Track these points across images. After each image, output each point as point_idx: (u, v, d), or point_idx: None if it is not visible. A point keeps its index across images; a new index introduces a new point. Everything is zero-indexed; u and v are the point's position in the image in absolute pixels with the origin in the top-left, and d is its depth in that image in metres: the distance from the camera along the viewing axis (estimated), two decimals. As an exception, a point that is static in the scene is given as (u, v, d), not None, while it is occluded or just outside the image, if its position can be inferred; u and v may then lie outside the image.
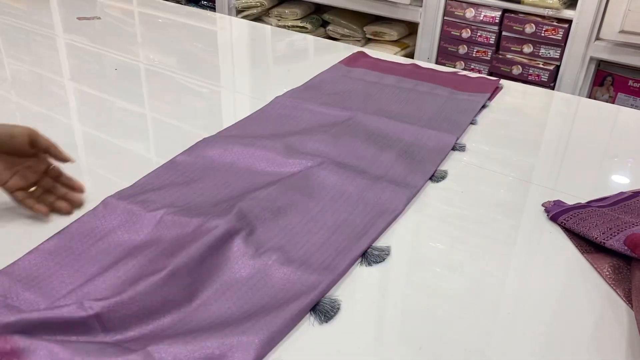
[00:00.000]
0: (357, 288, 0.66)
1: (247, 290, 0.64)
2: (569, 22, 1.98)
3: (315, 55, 1.50)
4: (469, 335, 0.60)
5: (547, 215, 0.80)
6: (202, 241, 0.67)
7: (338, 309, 0.62)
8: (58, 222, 0.73)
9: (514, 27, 2.09)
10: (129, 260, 0.67)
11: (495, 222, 0.80)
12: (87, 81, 1.22)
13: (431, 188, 0.86)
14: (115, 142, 0.97)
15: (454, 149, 0.98)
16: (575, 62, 2.00)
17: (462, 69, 1.35)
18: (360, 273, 0.68)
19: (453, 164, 0.94)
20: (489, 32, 2.15)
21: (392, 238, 0.74)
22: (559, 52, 2.03)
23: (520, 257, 0.73)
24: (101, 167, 0.88)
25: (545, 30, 2.03)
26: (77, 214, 0.75)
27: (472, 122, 1.08)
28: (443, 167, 0.93)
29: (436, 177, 0.90)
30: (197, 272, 0.65)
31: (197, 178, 0.85)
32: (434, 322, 0.62)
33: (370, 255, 0.71)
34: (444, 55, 2.27)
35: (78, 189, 0.78)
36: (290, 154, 0.90)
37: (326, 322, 0.61)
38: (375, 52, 1.43)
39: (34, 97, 1.13)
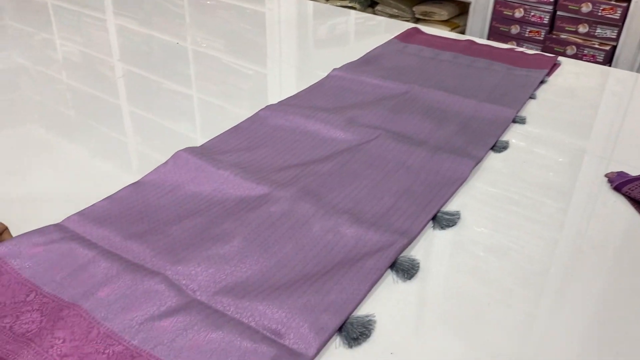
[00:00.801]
0: (429, 251, 0.66)
1: (322, 248, 0.64)
2: (628, 0, 1.89)
3: (366, 33, 1.48)
4: (509, 321, 0.57)
5: (611, 185, 0.78)
6: (268, 207, 0.70)
7: (418, 267, 0.63)
8: (102, 172, 0.75)
9: (570, 7, 2.01)
10: (196, 216, 0.69)
11: (544, 206, 0.77)
12: (136, 62, 1.24)
13: (477, 169, 0.84)
14: (162, 122, 0.98)
15: (514, 121, 0.97)
16: (633, 43, 1.92)
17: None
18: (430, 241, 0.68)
19: (512, 138, 0.92)
20: (543, 11, 2.08)
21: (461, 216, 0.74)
22: (616, 32, 1.95)
23: (567, 243, 0.71)
24: (148, 148, 0.90)
25: (602, 10, 1.94)
26: (126, 167, 0.77)
27: (532, 97, 1.06)
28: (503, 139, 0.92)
29: (498, 147, 0.89)
30: (269, 234, 0.66)
31: (260, 144, 0.86)
32: (473, 305, 0.60)
33: (442, 220, 0.71)
34: (495, 35, 2.21)
35: None
36: (350, 127, 0.90)
37: (409, 279, 0.62)
38: (428, 30, 1.40)
39: (84, 78, 1.16)
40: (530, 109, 1.03)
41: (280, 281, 0.59)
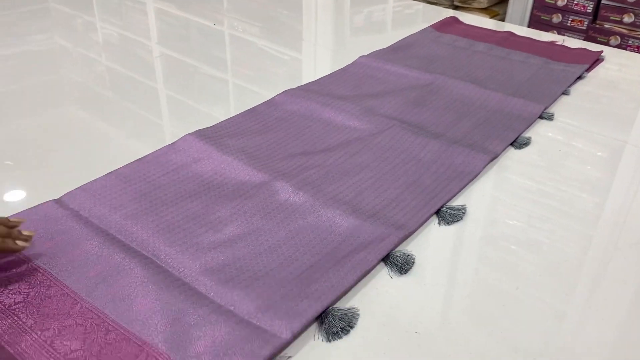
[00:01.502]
0: (430, 247, 0.65)
1: (314, 237, 0.64)
2: (678, -11, 1.83)
3: (403, 20, 1.47)
4: (537, 316, 0.57)
5: None
6: (266, 196, 0.70)
7: (412, 262, 0.62)
8: (137, 153, 0.77)
9: (615, -5, 1.95)
10: (194, 199, 0.70)
11: (579, 200, 0.76)
12: (173, 45, 1.25)
13: (513, 160, 0.83)
14: (197, 106, 0.99)
15: (541, 117, 0.94)
16: (682, 34, 1.85)
17: (557, 40, 1.28)
18: (433, 235, 0.67)
19: (538, 134, 0.90)
20: (587, 0, 2.02)
21: (466, 211, 0.72)
22: (665, 22, 1.89)
23: (602, 239, 0.70)
24: (182, 130, 0.91)
25: (650, -2, 1.88)
26: (157, 146, 0.79)
27: (565, 93, 1.03)
28: (528, 135, 0.89)
29: (518, 143, 0.86)
30: (263, 222, 0.66)
31: (271, 128, 0.87)
32: (502, 300, 0.59)
33: (447, 215, 0.69)
34: (536, 24, 2.16)
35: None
36: (366, 116, 0.90)
37: (402, 274, 0.61)
38: (467, 17, 1.38)
39: (122, 60, 1.18)
40: (568, 101, 1.01)
41: (268, 267, 0.60)
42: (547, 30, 2.13)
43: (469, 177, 0.76)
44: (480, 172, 0.78)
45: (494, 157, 0.81)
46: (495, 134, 0.87)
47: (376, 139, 0.84)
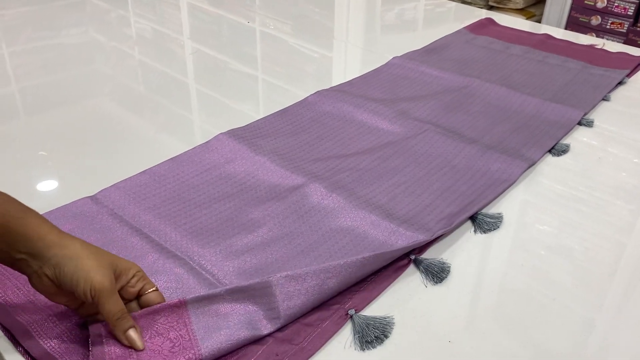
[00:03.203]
0: (464, 255, 0.64)
1: (348, 242, 0.63)
2: None
3: (435, 20, 1.45)
4: (566, 323, 0.55)
5: None
6: (299, 199, 0.70)
7: (448, 271, 0.61)
8: (168, 148, 0.77)
9: (657, -3, 1.90)
10: (227, 201, 0.70)
11: (613, 207, 0.74)
12: (205, 41, 1.26)
13: (547, 164, 0.81)
14: (227, 101, 0.99)
15: (580, 123, 0.91)
16: None
17: (596, 44, 1.25)
18: (467, 242, 0.66)
19: (575, 140, 0.87)
20: (628, 2, 1.97)
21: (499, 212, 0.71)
22: None
23: (636, 246, 0.67)
24: (213, 126, 0.91)
25: (693, 1, 1.83)
26: (190, 145, 0.79)
27: (605, 99, 1.00)
28: (565, 141, 0.86)
29: (556, 150, 0.84)
30: (297, 225, 0.66)
31: (304, 129, 0.86)
32: (530, 304, 0.58)
33: (483, 223, 0.68)
34: (574, 26, 2.12)
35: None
36: (399, 119, 0.88)
37: (438, 283, 0.59)
38: (502, 18, 1.35)
39: (155, 55, 1.18)
40: (608, 107, 0.98)
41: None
42: (585, 33, 2.08)
43: (505, 184, 0.75)
44: (517, 179, 0.76)
45: (532, 165, 0.80)
46: (532, 140, 0.85)
47: (410, 142, 0.83)
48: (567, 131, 0.88)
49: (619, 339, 0.54)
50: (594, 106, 0.96)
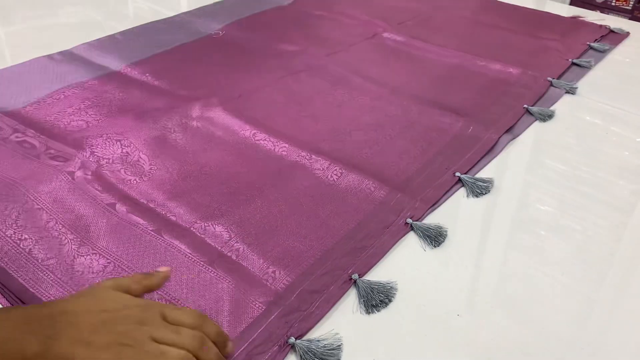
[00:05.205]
0: (459, 221, 0.65)
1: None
2: None
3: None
4: (566, 304, 0.55)
5: None
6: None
7: (445, 235, 0.62)
8: None
9: (664, -27, 1.87)
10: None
11: (615, 186, 0.73)
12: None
13: (545, 143, 0.80)
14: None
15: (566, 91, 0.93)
16: None
17: (597, 20, 1.23)
18: (462, 209, 0.67)
19: (564, 113, 0.87)
20: (634, -22, 1.94)
21: (498, 195, 0.70)
22: None
23: (637, 227, 0.66)
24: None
25: (701, -23, 1.80)
26: None
27: (586, 66, 1.00)
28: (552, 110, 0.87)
29: (542, 115, 0.85)
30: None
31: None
32: (530, 286, 0.57)
33: (475, 187, 0.69)
34: (578, 2, 2.08)
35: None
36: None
37: (436, 246, 0.60)
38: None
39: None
40: (614, 85, 0.96)
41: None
42: (590, 9, 2.05)
43: (487, 146, 0.77)
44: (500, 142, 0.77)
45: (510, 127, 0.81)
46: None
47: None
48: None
49: (618, 318, 0.54)
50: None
